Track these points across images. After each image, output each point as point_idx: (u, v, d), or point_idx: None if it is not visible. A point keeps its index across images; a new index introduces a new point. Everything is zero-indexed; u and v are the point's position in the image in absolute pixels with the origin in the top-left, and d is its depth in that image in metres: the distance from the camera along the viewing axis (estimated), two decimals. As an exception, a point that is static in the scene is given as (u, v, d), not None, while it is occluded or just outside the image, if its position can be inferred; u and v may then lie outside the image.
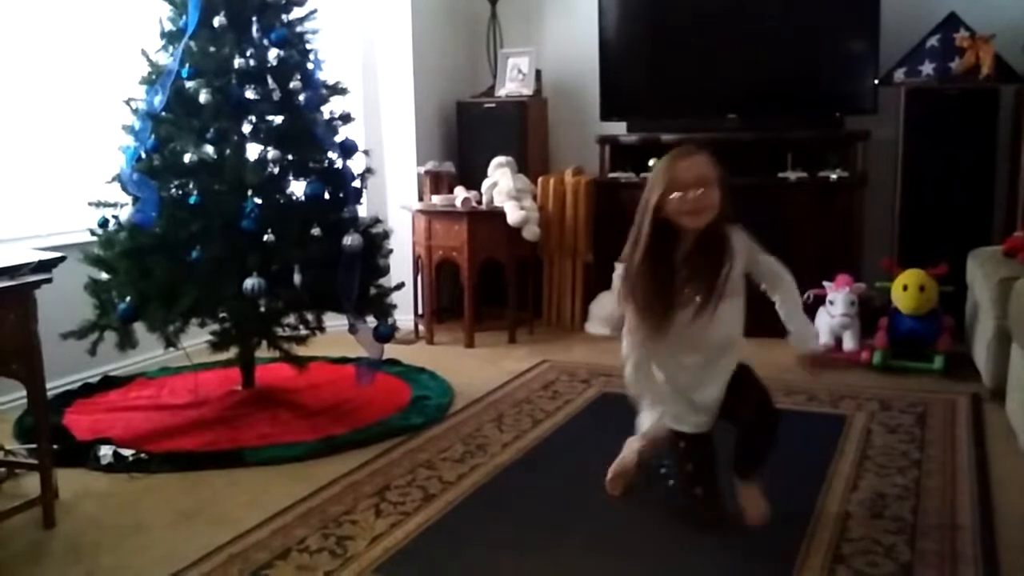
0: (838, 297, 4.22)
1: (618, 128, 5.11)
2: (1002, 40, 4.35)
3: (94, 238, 3.55)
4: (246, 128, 3.57)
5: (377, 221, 3.83)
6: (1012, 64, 4.40)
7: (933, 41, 4.49)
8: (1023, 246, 3.75)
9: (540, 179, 5.04)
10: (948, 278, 4.13)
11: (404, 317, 4.52)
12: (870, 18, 4.53)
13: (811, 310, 4.36)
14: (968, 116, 4.39)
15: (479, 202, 4.78)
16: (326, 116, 3.67)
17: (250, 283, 3.31)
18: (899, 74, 4.56)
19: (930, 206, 4.48)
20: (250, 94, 3.52)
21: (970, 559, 2.36)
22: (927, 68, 4.50)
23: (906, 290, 4.09)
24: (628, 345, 2.63)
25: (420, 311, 5.01)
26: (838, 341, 4.27)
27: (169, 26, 3.55)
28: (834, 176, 4.58)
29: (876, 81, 4.58)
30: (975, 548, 2.42)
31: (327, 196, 3.61)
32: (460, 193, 4.77)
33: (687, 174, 2.45)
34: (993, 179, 4.44)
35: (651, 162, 4.93)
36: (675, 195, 2.43)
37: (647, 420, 2.78)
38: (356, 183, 3.71)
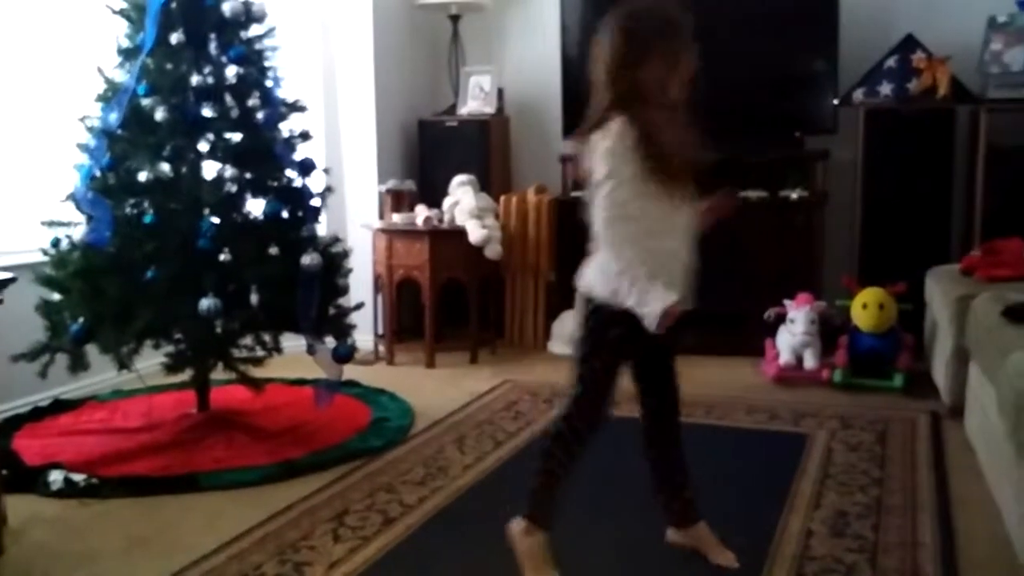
0: (799, 315, 4.24)
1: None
2: (958, 62, 4.42)
3: (46, 258, 3.48)
4: (203, 146, 3.52)
5: (336, 240, 3.80)
6: (967, 85, 4.47)
7: (891, 62, 4.55)
8: (980, 265, 3.79)
9: (502, 198, 5.03)
10: (907, 296, 4.16)
11: (364, 337, 4.48)
12: (829, 39, 4.58)
13: (772, 328, 4.39)
14: (926, 136, 4.44)
15: (441, 221, 4.76)
16: (285, 134, 3.64)
17: (206, 303, 3.26)
18: (858, 94, 4.62)
19: (889, 225, 4.53)
20: (207, 112, 3.48)
21: (931, 577, 2.37)
22: (885, 88, 4.56)
23: (866, 308, 4.11)
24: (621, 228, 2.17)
25: (380, 331, 4.96)
26: (799, 359, 4.28)
27: (126, 43, 3.51)
28: (794, 195, 4.61)
29: (836, 101, 4.62)
30: (936, 565, 2.42)
31: (285, 215, 3.58)
32: (421, 212, 4.74)
33: None
34: (950, 198, 4.50)
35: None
36: None
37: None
38: (315, 201, 3.67)
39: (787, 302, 4.31)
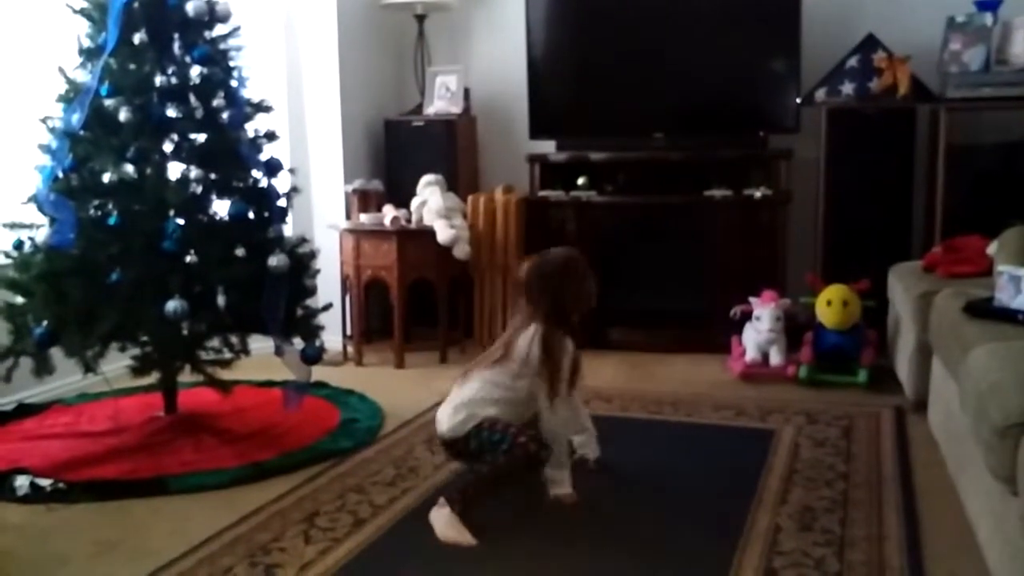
0: (764, 313, 4.28)
1: (547, 147, 5.13)
2: (917, 61, 4.47)
3: (9, 261, 3.43)
4: (168, 147, 3.49)
5: (304, 241, 3.78)
6: (927, 84, 4.53)
7: (852, 62, 4.60)
8: (942, 261, 3.85)
9: (470, 197, 5.03)
10: (870, 293, 4.21)
11: (332, 338, 4.46)
12: (791, 39, 4.62)
13: (738, 326, 4.43)
14: (887, 134, 4.49)
15: (408, 221, 4.75)
16: (250, 134, 3.61)
17: (172, 306, 3.23)
18: (820, 94, 4.66)
19: (852, 222, 4.57)
20: (172, 112, 3.45)
21: (897, 569, 2.40)
22: (847, 88, 4.61)
23: (830, 305, 4.16)
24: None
25: (349, 332, 4.95)
26: (765, 356, 4.32)
27: (87, 43, 3.46)
28: (758, 194, 4.65)
29: (798, 100, 4.67)
30: (902, 558, 2.46)
31: (252, 216, 3.55)
32: (389, 212, 4.73)
33: None
34: (911, 196, 4.56)
35: (580, 180, 4.96)
36: None
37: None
38: (281, 202, 3.65)
39: (753, 300, 4.35)
